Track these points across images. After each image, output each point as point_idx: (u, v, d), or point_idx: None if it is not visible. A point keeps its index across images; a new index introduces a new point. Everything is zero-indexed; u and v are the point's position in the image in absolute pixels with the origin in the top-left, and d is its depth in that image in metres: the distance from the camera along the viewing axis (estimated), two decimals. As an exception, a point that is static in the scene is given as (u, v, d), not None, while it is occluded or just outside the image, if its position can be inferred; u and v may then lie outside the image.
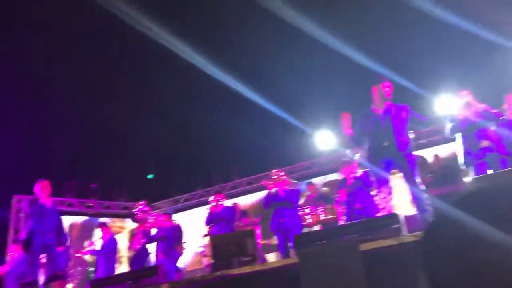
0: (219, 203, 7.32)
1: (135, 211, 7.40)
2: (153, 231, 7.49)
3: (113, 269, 7.69)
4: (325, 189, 10.61)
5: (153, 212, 7.98)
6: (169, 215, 8.01)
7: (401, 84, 7.34)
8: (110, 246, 7.63)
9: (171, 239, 7.29)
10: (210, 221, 7.31)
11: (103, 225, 8.36)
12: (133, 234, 7.92)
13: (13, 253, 8.41)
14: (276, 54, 10.73)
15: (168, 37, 9.56)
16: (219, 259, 4.18)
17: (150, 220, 7.35)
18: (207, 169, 12.83)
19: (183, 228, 9.39)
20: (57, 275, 4.00)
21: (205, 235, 9.02)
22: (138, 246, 7.62)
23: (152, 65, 11.52)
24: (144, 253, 7.78)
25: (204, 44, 10.06)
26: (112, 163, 12.16)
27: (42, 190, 5.96)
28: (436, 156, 8.50)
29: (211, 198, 7.70)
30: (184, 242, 9.33)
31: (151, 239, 7.47)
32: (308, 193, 9.66)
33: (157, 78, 11.63)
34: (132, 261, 7.86)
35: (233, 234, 4.62)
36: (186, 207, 12.68)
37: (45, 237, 5.80)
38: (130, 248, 7.84)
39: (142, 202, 7.54)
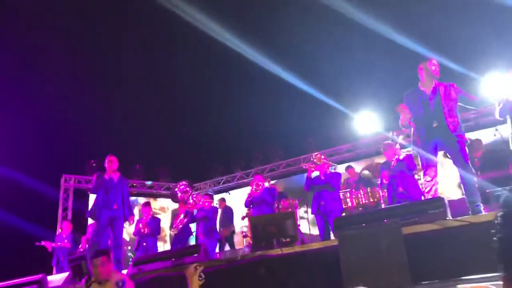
0: (259, 185, 7.33)
1: (176, 191, 7.54)
2: (195, 212, 7.64)
3: (155, 248, 7.93)
4: (366, 172, 10.45)
5: (194, 192, 8.09)
6: (210, 195, 8.14)
7: (444, 64, 7.06)
8: (152, 225, 7.85)
9: (212, 220, 7.42)
10: (249, 203, 7.36)
11: (144, 205, 8.59)
12: (175, 214, 8.09)
13: (62, 230, 8.86)
14: (315, 36, 10.55)
15: (208, 23, 9.63)
16: (258, 239, 4.22)
17: (191, 201, 7.46)
18: (246, 152, 12.93)
19: (231, 209, 9.63)
20: (103, 251, 4.17)
21: (244, 217, 9.15)
22: (181, 226, 7.80)
23: (194, 53, 11.62)
24: (187, 232, 7.98)
25: (243, 28, 10.05)
26: (156, 144, 12.48)
27: (108, 164, 6.33)
28: (480, 141, 8.16)
29: (251, 180, 7.73)
30: (232, 225, 9.54)
31: (192, 219, 7.64)
32: (347, 176, 9.56)
33: (201, 64, 11.74)
34: (174, 240, 8.07)
35: (273, 216, 4.65)
36: (226, 189, 12.88)
37: (111, 210, 6.17)
38: (172, 227, 8.01)
39: (184, 182, 7.66)
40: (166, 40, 11.25)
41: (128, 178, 12.20)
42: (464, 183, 4.29)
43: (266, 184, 7.81)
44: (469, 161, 4.34)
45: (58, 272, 7.65)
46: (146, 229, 7.73)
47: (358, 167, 10.42)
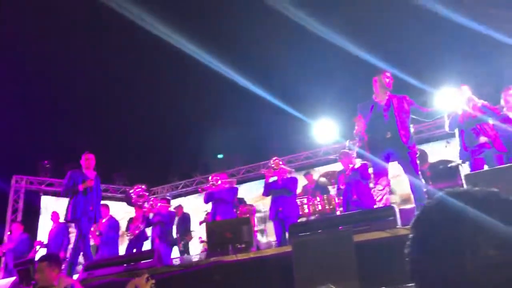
0: (218, 183, 7.24)
1: (131, 194, 7.37)
2: (151, 216, 7.50)
3: (116, 250, 7.72)
4: (322, 179, 10.63)
5: (151, 196, 7.93)
6: (167, 200, 8.03)
7: (400, 77, 7.32)
8: (110, 227, 7.64)
9: (168, 224, 7.31)
10: (208, 200, 7.24)
11: (102, 206, 8.36)
12: (131, 219, 7.90)
13: (12, 232, 8.49)
14: (275, 45, 10.69)
15: (166, 30, 9.54)
16: (214, 245, 4.21)
17: (146, 205, 7.31)
18: (206, 157, 12.86)
19: (189, 216, 9.49)
20: (47, 256, 4.03)
21: (202, 222, 9.08)
22: (137, 231, 7.63)
23: (149, 56, 11.44)
24: (142, 237, 7.82)
25: (204, 35, 10.03)
26: (112, 147, 12.18)
27: (86, 163, 6.11)
28: (426, 153, 8.50)
29: (210, 178, 7.58)
30: (192, 231, 9.42)
31: (148, 223, 7.50)
32: (306, 182, 9.70)
33: (158, 69, 11.60)
34: (129, 245, 7.90)
35: (229, 221, 4.65)
36: (184, 193, 12.75)
37: (88, 212, 5.92)
38: (128, 232, 7.82)
39: (141, 186, 7.50)
40: (118, 42, 11.02)
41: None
42: (413, 191, 4.44)
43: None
44: (419, 172, 4.50)
45: (7, 276, 7.32)
46: (104, 231, 7.53)
47: (315, 174, 10.60)
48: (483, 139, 4.93)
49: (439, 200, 0.80)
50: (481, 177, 3.40)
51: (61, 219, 8.94)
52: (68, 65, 10.93)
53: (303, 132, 11.07)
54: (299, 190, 8.76)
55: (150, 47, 10.71)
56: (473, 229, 0.71)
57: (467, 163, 5.17)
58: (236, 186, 8.25)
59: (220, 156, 12.90)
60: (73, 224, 6.32)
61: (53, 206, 10.79)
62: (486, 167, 4.83)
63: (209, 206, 7.55)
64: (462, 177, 5.08)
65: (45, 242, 8.50)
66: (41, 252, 7.92)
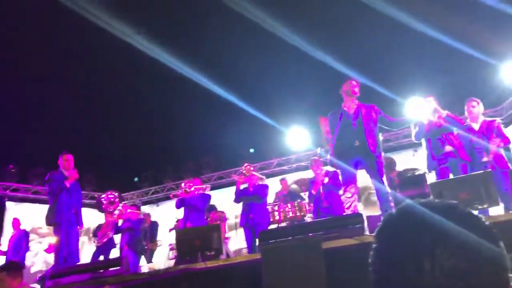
0: (191, 189, 7.14)
1: (102, 200, 7.20)
2: (120, 222, 7.37)
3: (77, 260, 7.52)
4: (294, 186, 10.71)
5: (120, 203, 7.77)
6: (136, 206, 7.90)
7: (371, 87, 7.49)
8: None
9: (137, 231, 7.19)
10: (180, 205, 7.13)
11: None
12: (100, 225, 7.72)
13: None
14: (249, 54, 10.76)
15: (144, 42, 9.48)
16: (183, 252, 4.16)
17: (116, 212, 7.16)
18: (177, 163, 12.73)
19: (157, 225, 9.34)
20: (5, 265, 3.88)
21: (171, 229, 8.96)
22: (106, 239, 7.47)
23: (122, 63, 11.29)
24: (110, 244, 7.66)
25: (174, 40, 10.00)
26: (79, 151, 11.89)
27: (66, 163, 5.86)
28: (394, 161, 8.69)
29: (183, 185, 7.47)
30: (158, 240, 9.27)
31: (117, 230, 7.36)
32: (280, 188, 9.72)
33: (131, 74, 11.45)
34: (96, 252, 7.72)
35: (198, 229, 4.60)
36: (154, 200, 12.57)
37: (71, 215, 5.70)
38: (97, 238, 7.62)
39: (113, 193, 7.32)
40: (92, 50, 10.83)
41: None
42: (379, 198, 4.52)
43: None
44: (383, 181, 4.57)
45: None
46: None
47: (290, 180, 10.65)
48: (448, 148, 5.08)
49: (400, 211, 0.82)
50: (445, 186, 3.49)
51: (22, 226, 8.68)
52: (31, 67, 10.66)
53: (275, 140, 11.13)
54: (272, 196, 8.78)
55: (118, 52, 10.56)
56: (433, 239, 0.72)
57: (434, 172, 5.30)
58: (208, 193, 8.20)
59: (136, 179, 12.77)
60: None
61: (18, 212, 10.46)
62: (451, 176, 4.96)
63: (180, 213, 7.46)
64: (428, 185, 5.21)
65: (5, 249, 8.24)
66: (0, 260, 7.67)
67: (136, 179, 12.63)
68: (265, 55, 10.75)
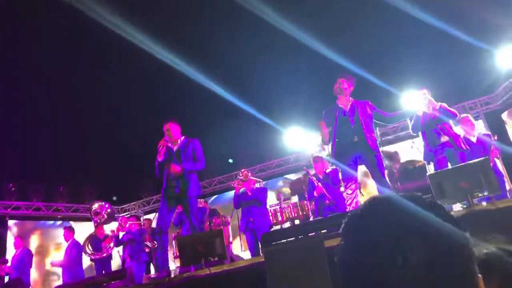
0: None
1: (91, 213, 7.14)
2: (120, 235, 7.34)
3: (80, 273, 7.50)
4: (295, 186, 10.69)
5: (120, 214, 7.74)
6: (136, 217, 7.87)
7: (369, 79, 7.48)
8: (74, 250, 7.43)
9: (139, 242, 7.16)
10: (178, 222, 7.19)
11: (66, 229, 8.11)
12: (94, 236, 7.60)
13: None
14: (247, 54, 10.71)
15: (140, 37, 9.42)
16: (186, 260, 4.13)
17: (98, 221, 7.10)
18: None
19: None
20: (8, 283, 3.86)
21: (174, 237, 8.93)
22: (110, 251, 7.44)
23: (119, 65, 11.25)
24: (107, 256, 7.61)
25: (173, 40, 9.95)
26: (81, 164, 11.88)
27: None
28: (397, 154, 8.70)
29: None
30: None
31: (118, 243, 7.33)
32: (284, 189, 9.72)
33: (127, 78, 11.41)
34: (98, 265, 7.67)
35: (200, 235, 4.57)
36: (155, 209, 12.53)
37: None
38: (94, 251, 7.55)
39: (98, 202, 7.22)
40: (88, 50, 10.80)
41: (51, 202, 11.58)
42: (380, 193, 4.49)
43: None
44: (385, 175, 4.58)
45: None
46: (67, 254, 7.30)
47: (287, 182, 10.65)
48: (444, 138, 5.08)
49: (364, 206, 0.80)
50: (443, 176, 3.47)
51: (26, 245, 8.65)
52: (29, 84, 10.64)
53: (274, 140, 11.10)
54: (273, 197, 8.78)
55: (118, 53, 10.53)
56: (396, 234, 0.71)
57: (432, 163, 5.30)
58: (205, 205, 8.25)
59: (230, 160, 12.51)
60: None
61: (20, 230, 10.43)
62: (449, 165, 4.96)
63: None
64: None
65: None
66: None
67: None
68: (264, 55, 10.70)
